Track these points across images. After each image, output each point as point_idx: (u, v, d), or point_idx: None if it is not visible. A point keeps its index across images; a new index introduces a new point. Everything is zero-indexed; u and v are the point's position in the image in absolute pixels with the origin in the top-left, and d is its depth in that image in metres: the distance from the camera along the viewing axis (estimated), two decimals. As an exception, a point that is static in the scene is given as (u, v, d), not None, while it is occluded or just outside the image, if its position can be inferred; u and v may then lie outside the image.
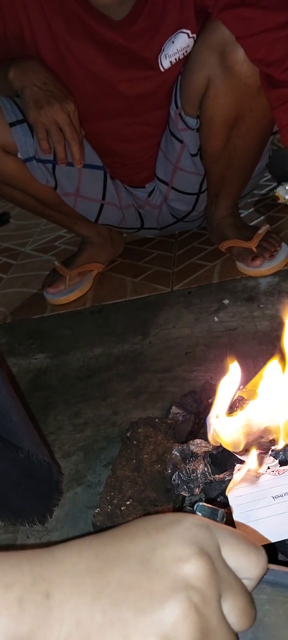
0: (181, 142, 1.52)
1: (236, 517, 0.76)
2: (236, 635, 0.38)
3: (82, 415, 1.19)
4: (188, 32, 1.38)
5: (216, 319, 1.38)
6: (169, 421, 1.01)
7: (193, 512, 0.44)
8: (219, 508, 0.44)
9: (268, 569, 0.41)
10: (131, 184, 1.67)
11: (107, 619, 0.35)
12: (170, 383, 1.21)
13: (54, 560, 0.37)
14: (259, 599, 0.40)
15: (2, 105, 1.47)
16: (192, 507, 0.85)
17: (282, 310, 0.95)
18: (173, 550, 0.37)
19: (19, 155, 1.49)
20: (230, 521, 0.74)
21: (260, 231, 1.56)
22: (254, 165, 1.59)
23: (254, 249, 1.52)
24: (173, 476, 0.86)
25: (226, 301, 1.44)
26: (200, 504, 0.45)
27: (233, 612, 0.37)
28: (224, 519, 0.44)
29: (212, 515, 0.43)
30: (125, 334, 1.44)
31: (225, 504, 0.80)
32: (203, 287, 1.54)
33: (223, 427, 0.82)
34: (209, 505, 0.44)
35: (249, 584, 0.40)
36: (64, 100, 1.38)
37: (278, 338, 1.24)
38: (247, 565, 0.39)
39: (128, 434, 1.00)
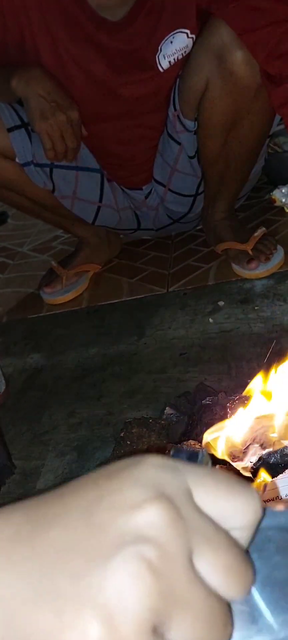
0: (179, 144, 1.52)
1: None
2: (226, 603, 0.28)
3: (76, 415, 1.19)
4: (188, 31, 1.39)
5: (211, 320, 1.39)
6: (163, 422, 1.02)
7: None
8: (203, 448, 0.34)
9: (273, 510, 0.30)
10: (128, 186, 1.68)
11: (36, 591, 0.27)
12: (165, 384, 1.21)
13: None
14: (267, 549, 0.30)
15: (1, 111, 1.47)
16: None
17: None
18: (124, 496, 0.28)
19: (17, 160, 1.50)
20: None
21: (256, 234, 1.56)
22: (251, 167, 1.59)
23: (250, 252, 1.53)
24: (166, 476, 0.86)
25: (221, 303, 1.44)
26: (177, 447, 0.35)
27: (216, 571, 0.28)
28: (209, 463, 0.33)
29: (190, 459, 0.32)
30: (120, 334, 1.44)
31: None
32: (199, 288, 1.55)
33: (217, 438, 0.82)
34: (188, 449, 0.34)
35: (241, 535, 0.29)
36: (69, 109, 1.39)
37: (272, 340, 1.25)
38: (233, 511, 0.29)
39: (122, 434, 1.01)
